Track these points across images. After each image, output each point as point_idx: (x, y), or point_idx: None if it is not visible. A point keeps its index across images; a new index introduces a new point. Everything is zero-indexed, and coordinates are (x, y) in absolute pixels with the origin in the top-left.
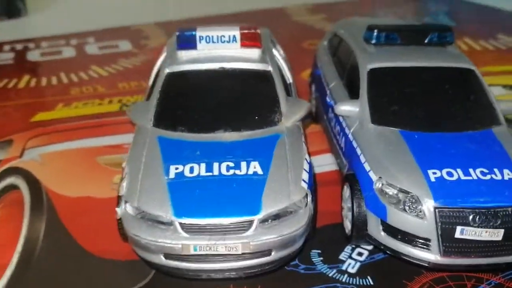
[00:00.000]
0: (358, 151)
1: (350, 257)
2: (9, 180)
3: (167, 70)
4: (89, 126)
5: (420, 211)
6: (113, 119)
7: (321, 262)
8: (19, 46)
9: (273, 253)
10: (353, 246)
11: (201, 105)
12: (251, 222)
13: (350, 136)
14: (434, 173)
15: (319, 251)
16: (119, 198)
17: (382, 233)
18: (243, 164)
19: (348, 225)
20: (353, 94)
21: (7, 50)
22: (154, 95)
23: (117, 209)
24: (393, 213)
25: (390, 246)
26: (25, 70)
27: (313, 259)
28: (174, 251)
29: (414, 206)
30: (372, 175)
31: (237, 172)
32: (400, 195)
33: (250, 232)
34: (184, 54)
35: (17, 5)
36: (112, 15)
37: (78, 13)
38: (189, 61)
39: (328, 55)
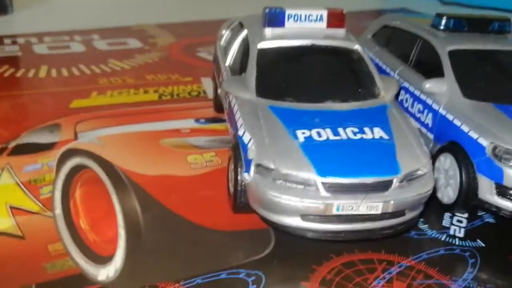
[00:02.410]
0: (457, 122)
1: (452, 224)
2: (76, 161)
3: (259, 46)
4: (136, 113)
5: None
6: (159, 107)
7: (428, 229)
8: (20, 40)
9: (406, 213)
10: (451, 214)
11: (301, 77)
12: (390, 181)
13: (441, 110)
14: None
15: (422, 219)
16: (237, 165)
17: (496, 196)
18: (367, 129)
19: (448, 194)
20: (428, 74)
21: (9, 43)
22: (249, 69)
23: (245, 174)
24: (510, 175)
25: (506, 208)
26: (39, 61)
27: (420, 227)
28: (316, 211)
29: None
30: (482, 141)
31: (364, 136)
32: None
33: (389, 191)
34: (272, 31)
35: (4, 2)
36: (103, 15)
37: (65, 12)
38: (279, 37)
39: (378, 46)
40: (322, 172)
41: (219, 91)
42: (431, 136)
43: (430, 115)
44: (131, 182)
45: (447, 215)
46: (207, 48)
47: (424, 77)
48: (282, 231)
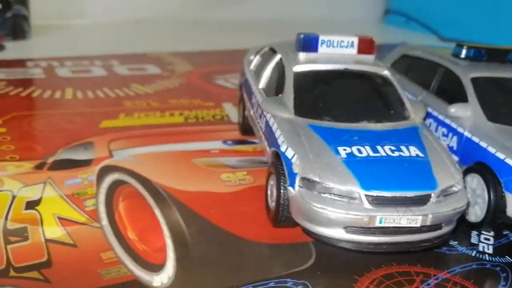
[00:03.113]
0: (483, 144)
1: (480, 241)
2: (114, 176)
3: (295, 69)
4: (165, 134)
5: None
6: (185, 129)
7: (458, 245)
8: (42, 63)
9: (443, 227)
10: (478, 232)
11: (336, 99)
12: (429, 196)
13: (466, 133)
14: None
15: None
16: (280, 179)
17: None
18: (403, 148)
19: (476, 212)
20: (451, 99)
21: (32, 66)
22: (287, 90)
23: (289, 187)
24: None
25: None
26: (63, 84)
27: (450, 243)
28: (360, 223)
29: None
30: (510, 161)
31: (401, 154)
32: None
33: (428, 205)
34: (306, 56)
35: (23, 27)
36: (117, 42)
37: (80, 38)
38: (313, 61)
39: (398, 74)
40: (366, 186)
41: (251, 112)
42: (456, 158)
43: (455, 138)
44: (171, 197)
45: (474, 233)
46: (223, 76)
47: (447, 103)
48: (325, 243)
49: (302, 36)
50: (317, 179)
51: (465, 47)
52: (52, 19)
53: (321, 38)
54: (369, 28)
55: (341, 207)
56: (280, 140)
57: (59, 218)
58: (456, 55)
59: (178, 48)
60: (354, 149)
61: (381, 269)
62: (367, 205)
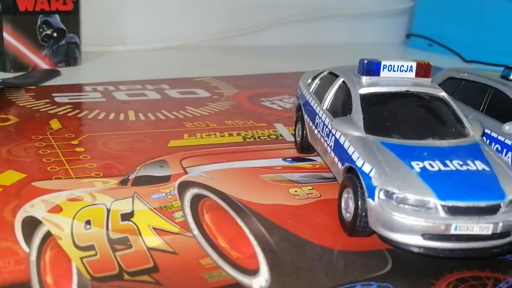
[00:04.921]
0: None
1: None
2: (194, 191)
3: (361, 92)
4: (229, 152)
5: None
6: (246, 147)
7: None
8: (99, 88)
9: (511, 235)
10: None
11: (401, 118)
12: (499, 205)
13: None
14: None
15: None
16: (357, 192)
17: None
18: (470, 162)
19: None
20: (503, 118)
21: (91, 90)
22: (355, 111)
23: (369, 199)
24: None
25: None
26: (124, 107)
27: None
28: (437, 230)
29: None
30: None
31: (469, 167)
32: None
33: (498, 214)
34: (370, 79)
35: (75, 54)
36: (165, 68)
37: (127, 64)
38: (377, 84)
39: None
40: (441, 196)
41: (315, 132)
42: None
43: (509, 154)
44: (249, 209)
45: None
46: (267, 98)
47: (500, 121)
48: (403, 249)
49: (365, 61)
50: (396, 191)
51: None
52: (100, 46)
53: (383, 63)
54: (392, 51)
55: (420, 216)
56: (354, 156)
57: (154, 228)
58: (506, 77)
59: (220, 72)
60: (426, 163)
61: (453, 274)
62: (442, 214)
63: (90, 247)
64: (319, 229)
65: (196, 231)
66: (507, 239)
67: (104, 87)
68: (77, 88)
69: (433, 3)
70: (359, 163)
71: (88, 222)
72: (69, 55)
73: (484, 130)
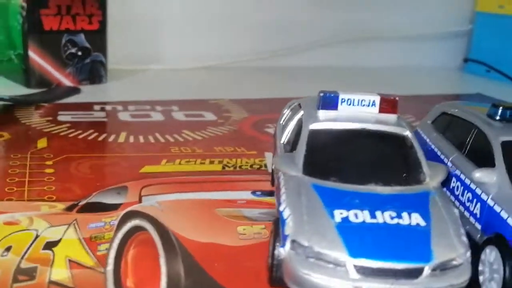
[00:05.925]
0: (504, 214)
1: None
2: (135, 222)
3: (311, 127)
4: (198, 182)
5: None
6: (220, 177)
7: None
8: (108, 107)
9: None
10: None
11: (347, 159)
12: (421, 269)
13: (489, 201)
14: None
15: None
16: (276, 239)
17: None
18: (405, 215)
19: None
20: (480, 163)
21: (98, 110)
22: (299, 148)
23: (281, 248)
24: None
25: None
26: (120, 128)
27: None
28: None
29: None
30: None
31: (400, 221)
32: None
33: (420, 279)
34: (325, 114)
35: (99, 72)
36: (184, 89)
37: (152, 85)
38: (332, 119)
39: (436, 132)
40: (353, 253)
41: (272, 166)
42: (478, 226)
43: (478, 204)
44: (180, 246)
45: None
46: (275, 124)
47: (476, 166)
48: None
49: (322, 94)
50: (305, 243)
51: (501, 107)
52: (128, 64)
53: (341, 96)
54: (448, 76)
55: (327, 274)
56: (282, 199)
57: (70, 260)
58: (491, 116)
59: (240, 95)
60: (351, 213)
61: None
62: (353, 274)
63: None
64: (243, 275)
65: (110, 267)
66: None
67: (113, 107)
68: (85, 106)
69: (492, 27)
70: (281, 207)
71: (8, 249)
72: (94, 73)
73: (446, 176)
